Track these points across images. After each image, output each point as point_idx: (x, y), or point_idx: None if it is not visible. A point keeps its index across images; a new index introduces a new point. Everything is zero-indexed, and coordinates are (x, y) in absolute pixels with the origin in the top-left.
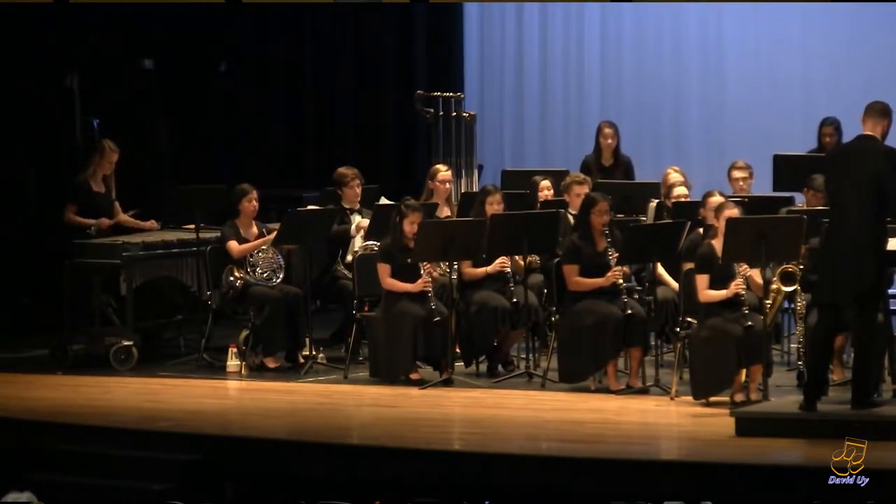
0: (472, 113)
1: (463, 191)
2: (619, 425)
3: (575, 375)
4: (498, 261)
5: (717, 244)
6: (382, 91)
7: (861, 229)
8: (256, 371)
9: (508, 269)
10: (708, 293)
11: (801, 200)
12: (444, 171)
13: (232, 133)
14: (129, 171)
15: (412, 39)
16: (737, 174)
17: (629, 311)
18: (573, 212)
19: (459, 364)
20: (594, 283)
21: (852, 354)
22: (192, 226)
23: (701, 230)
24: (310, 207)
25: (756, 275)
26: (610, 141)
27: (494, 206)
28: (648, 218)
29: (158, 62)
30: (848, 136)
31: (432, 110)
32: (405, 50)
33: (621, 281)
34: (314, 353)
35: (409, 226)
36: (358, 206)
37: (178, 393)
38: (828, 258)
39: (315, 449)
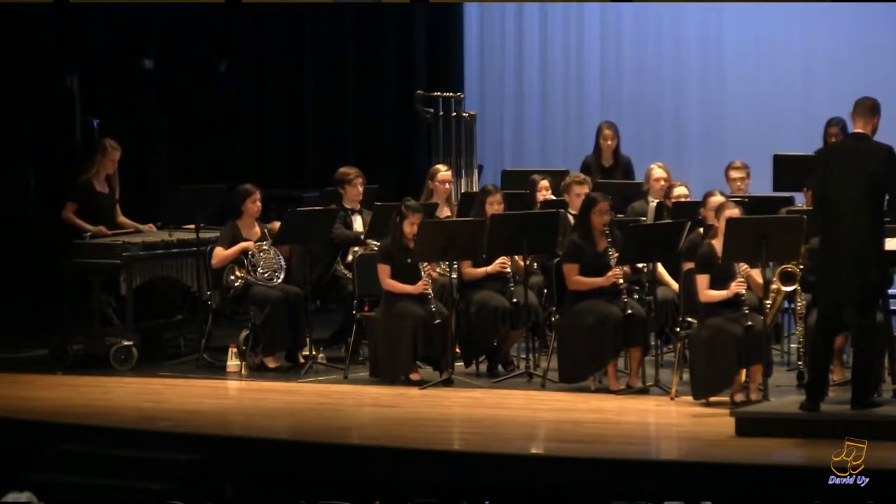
0: (472, 113)
1: (463, 191)
2: (618, 425)
3: (575, 375)
4: (498, 261)
5: (718, 244)
6: (382, 91)
7: (859, 229)
8: (256, 371)
9: (508, 269)
10: (708, 293)
11: (801, 200)
12: (444, 171)
13: (232, 133)
14: (130, 171)
15: (412, 39)
16: (734, 174)
17: (629, 311)
18: (573, 212)
19: (459, 364)
20: (594, 282)
21: (852, 354)
22: (192, 226)
23: (701, 230)
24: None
25: (756, 275)
26: (610, 142)
27: (495, 206)
28: (648, 218)
29: (158, 62)
30: None
31: (432, 110)
32: (405, 50)
33: (621, 281)
34: (314, 353)
35: (410, 226)
36: (359, 207)
37: (178, 393)
38: (829, 257)
39: (315, 449)
